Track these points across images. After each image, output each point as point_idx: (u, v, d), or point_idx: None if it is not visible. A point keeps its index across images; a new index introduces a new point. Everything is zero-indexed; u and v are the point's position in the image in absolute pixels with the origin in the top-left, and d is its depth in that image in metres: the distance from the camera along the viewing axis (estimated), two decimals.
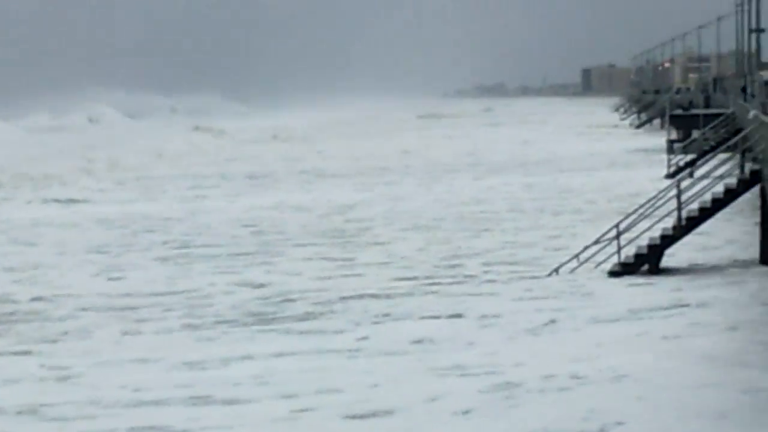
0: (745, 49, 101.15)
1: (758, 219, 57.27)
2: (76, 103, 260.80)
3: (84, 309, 53.09)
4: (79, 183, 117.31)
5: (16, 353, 44.83)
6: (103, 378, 39.57)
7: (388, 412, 33.82)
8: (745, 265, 55.79)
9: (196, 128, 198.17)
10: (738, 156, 64.61)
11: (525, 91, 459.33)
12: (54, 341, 47.08)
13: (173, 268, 63.43)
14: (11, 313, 52.55)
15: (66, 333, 48.85)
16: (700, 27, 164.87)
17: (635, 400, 33.95)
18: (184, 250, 71.96)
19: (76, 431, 33.88)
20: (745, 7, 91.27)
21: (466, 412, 33.83)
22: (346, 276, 60.16)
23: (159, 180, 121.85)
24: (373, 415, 33.61)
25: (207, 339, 46.14)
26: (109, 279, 60.76)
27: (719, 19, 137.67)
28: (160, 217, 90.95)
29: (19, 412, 35.15)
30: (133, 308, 52.59)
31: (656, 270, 56.05)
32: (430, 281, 58.40)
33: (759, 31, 75.55)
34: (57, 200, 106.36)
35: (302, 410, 34.31)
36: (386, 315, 50.32)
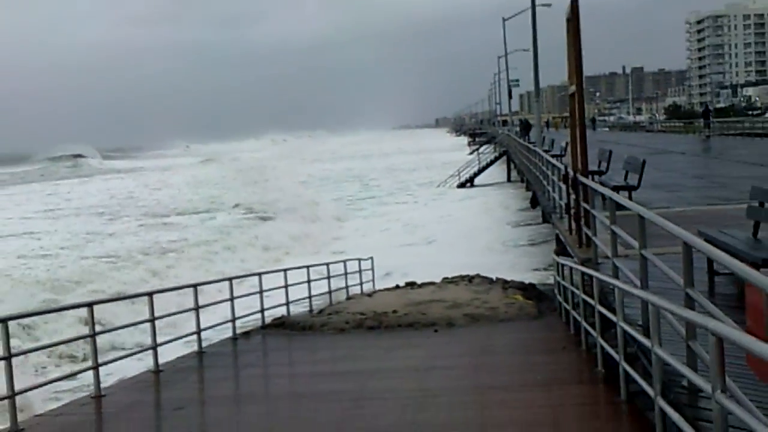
0: (493, 108, 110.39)
1: (505, 166, 56.63)
2: (299, 129, 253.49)
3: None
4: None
5: None
6: None
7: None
8: (502, 182, 54.94)
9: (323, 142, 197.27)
10: (494, 146, 66.18)
11: (413, 126, 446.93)
12: None
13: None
14: None
15: None
16: (476, 103, 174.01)
17: (451, 230, 35.09)
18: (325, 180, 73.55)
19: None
20: (494, 91, 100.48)
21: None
22: (363, 192, 61.21)
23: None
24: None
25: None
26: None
27: (481, 101, 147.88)
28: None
29: None
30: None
31: (472, 185, 56.53)
32: (392, 191, 59.82)
33: (498, 103, 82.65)
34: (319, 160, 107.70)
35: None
36: (382, 203, 51.18)
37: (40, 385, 10.13)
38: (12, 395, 8.35)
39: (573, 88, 12.06)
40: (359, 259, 22.17)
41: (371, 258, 23.22)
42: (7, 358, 8.38)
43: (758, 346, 3.71)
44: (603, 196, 11.57)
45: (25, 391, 9.35)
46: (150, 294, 11.74)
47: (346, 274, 20.59)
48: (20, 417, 8.67)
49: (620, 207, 9.06)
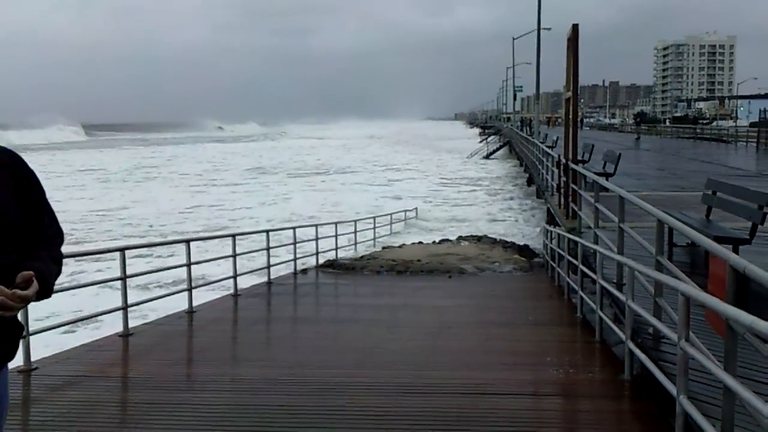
0: (500, 107, 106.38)
1: (507, 152, 55.55)
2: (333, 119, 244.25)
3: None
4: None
5: None
6: None
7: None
8: (506, 158, 53.19)
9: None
10: (500, 137, 64.50)
11: (437, 118, 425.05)
12: None
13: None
14: None
15: None
16: (487, 103, 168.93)
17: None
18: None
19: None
20: (502, 94, 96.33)
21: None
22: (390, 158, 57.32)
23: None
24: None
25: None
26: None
27: (491, 101, 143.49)
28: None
29: None
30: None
31: (489, 158, 55.65)
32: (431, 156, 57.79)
33: (504, 104, 79.84)
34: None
35: None
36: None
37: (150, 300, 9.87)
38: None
39: (569, 94, 11.62)
40: (405, 211, 22.22)
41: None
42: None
43: (722, 306, 3.55)
44: (585, 179, 11.40)
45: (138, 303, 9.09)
46: (233, 235, 11.60)
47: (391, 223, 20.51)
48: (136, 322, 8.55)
49: (602, 189, 8.81)
